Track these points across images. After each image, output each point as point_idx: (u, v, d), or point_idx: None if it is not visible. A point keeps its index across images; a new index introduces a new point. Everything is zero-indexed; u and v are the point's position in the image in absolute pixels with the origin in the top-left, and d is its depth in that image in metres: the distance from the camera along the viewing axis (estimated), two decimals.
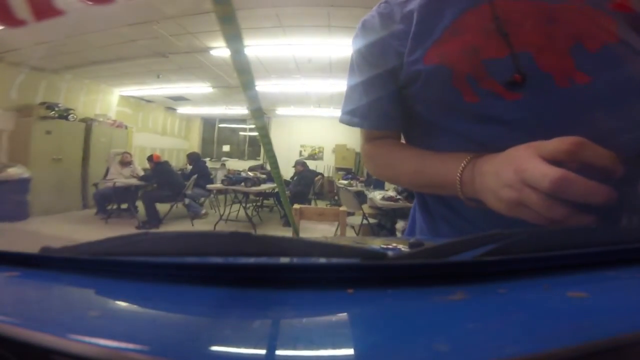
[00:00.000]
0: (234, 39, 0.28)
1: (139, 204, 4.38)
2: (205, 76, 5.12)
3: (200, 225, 4.49)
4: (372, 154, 0.57)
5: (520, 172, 0.32)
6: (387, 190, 4.17)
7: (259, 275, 0.25)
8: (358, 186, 5.50)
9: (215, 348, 0.18)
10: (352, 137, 8.54)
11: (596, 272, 0.25)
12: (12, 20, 2.31)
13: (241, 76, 0.32)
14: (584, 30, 0.38)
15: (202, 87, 5.77)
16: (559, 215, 0.30)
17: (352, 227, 3.93)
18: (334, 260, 0.27)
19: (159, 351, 0.17)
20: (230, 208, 4.54)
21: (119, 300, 0.25)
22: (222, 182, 4.37)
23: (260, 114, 0.42)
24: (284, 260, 0.28)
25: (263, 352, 0.17)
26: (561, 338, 0.16)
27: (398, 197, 3.58)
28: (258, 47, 3.84)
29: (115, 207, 4.43)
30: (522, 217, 0.33)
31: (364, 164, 0.60)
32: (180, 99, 6.78)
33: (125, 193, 4.31)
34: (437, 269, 0.24)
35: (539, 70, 0.38)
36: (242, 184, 4.31)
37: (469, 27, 0.42)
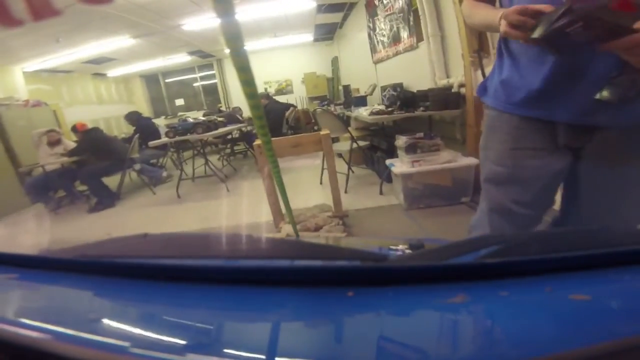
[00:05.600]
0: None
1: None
2: (118, 26, 4.16)
3: (164, 191, 3.82)
4: (464, 6, 0.90)
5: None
6: (372, 106, 3.49)
7: (259, 277, 0.25)
8: (337, 110, 4.85)
9: (214, 349, 0.18)
10: (320, 63, 7.63)
11: (598, 275, 0.24)
12: None
13: (241, 74, 0.29)
14: None
15: (121, 40, 4.83)
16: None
17: (340, 155, 3.36)
18: (335, 262, 0.27)
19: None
20: (194, 163, 3.80)
21: (117, 302, 0.25)
22: (167, 134, 3.45)
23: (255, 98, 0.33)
24: (285, 262, 0.27)
25: (263, 352, 0.17)
26: (564, 341, 0.16)
27: (389, 108, 2.93)
28: None
29: (64, 194, 3.74)
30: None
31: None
32: (103, 60, 5.77)
33: (63, 175, 3.55)
34: (438, 272, 0.24)
35: None
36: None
37: None
